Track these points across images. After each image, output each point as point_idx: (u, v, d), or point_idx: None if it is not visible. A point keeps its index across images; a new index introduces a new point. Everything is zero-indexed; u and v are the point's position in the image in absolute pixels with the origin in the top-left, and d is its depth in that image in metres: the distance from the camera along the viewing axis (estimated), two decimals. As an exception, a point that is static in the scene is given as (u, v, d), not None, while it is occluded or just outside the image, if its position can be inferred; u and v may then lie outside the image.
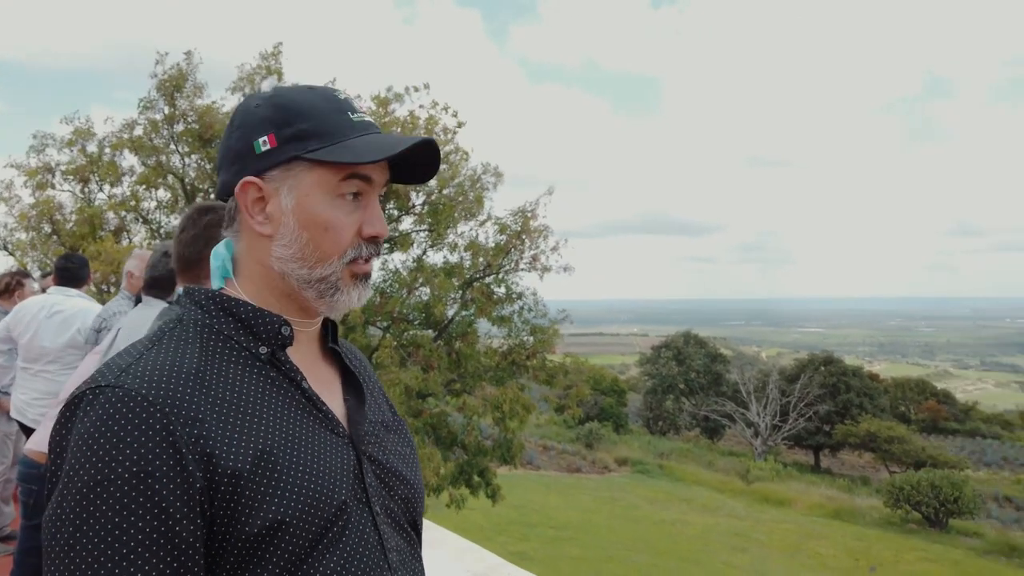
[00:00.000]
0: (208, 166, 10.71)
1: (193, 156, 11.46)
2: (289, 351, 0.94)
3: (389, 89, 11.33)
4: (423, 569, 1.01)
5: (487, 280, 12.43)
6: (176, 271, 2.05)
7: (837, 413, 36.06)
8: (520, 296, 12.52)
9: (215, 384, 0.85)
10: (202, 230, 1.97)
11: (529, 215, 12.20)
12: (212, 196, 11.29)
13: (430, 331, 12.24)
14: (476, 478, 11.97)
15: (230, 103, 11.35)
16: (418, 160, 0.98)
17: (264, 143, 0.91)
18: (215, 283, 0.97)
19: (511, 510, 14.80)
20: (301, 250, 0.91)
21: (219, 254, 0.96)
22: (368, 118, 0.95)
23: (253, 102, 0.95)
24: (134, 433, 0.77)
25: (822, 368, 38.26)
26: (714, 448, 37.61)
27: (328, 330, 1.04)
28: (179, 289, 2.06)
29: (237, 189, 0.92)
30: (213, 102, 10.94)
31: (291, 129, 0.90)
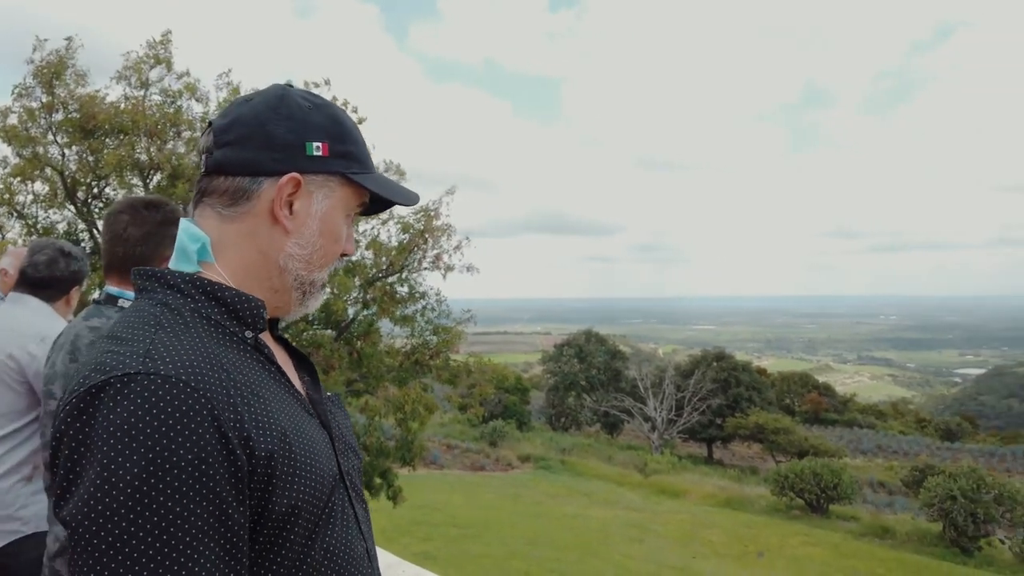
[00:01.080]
0: (90, 158, 10.11)
1: (74, 147, 10.79)
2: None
3: (288, 84, 11.03)
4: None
5: (389, 279, 12.31)
6: (110, 271, 1.87)
7: (728, 406, 37.68)
8: (423, 295, 12.46)
9: (230, 368, 0.86)
10: (156, 227, 1.83)
11: (432, 214, 12.16)
12: (96, 190, 10.68)
13: (330, 331, 12.01)
14: (377, 480, 11.83)
15: (115, 92, 10.76)
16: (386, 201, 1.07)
17: (318, 148, 0.96)
18: (184, 265, 0.95)
19: (414, 511, 14.68)
20: (312, 253, 0.97)
21: (198, 236, 0.94)
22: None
23: (301, 101, 0.99)
24: (183, 420, 0.76)
25: (714, 364, 39.89)
26: (614, 443, 38.58)
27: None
28: (109, 287, 1.91)
29: (283, 180, 0.94)
30: (96, 91, 10.33)
31: (343, 147, 0.98)
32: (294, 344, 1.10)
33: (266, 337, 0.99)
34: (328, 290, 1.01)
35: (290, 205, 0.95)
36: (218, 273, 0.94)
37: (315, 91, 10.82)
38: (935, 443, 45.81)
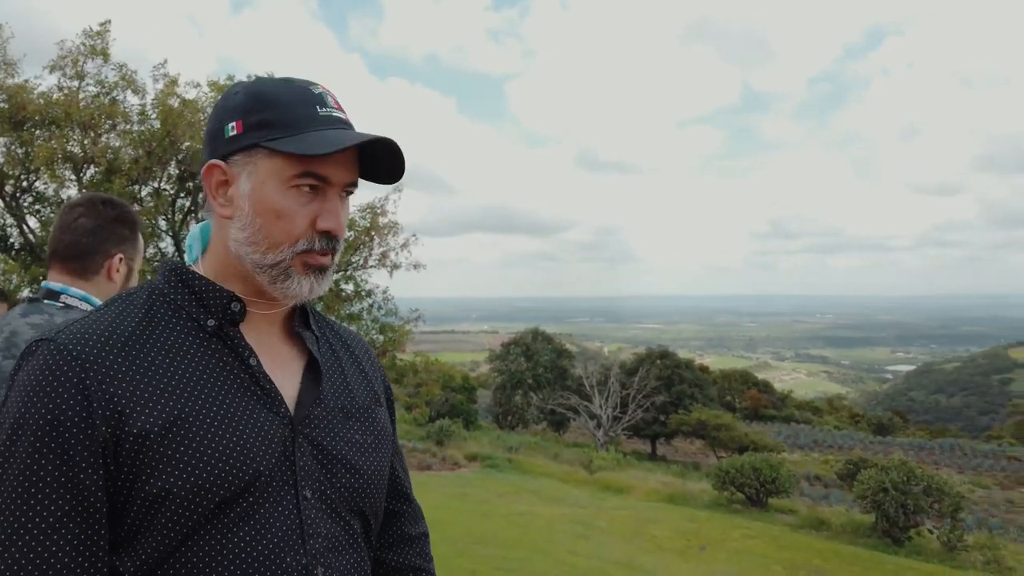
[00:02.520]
0: (20, 150, 9.71)
1: (2, 139, 10.35)
2: (246, 330, 0.97)
3: (230, 77, 10.80)
4: (365, 559, 1.01)
5: (335, 277, 12.19)
6: (57, 257, 1.80)
7: (671, 403, 38.36)
8: (369, 294, 12.37)
9: (147, 348, 0.89)
10: (105, 223, 1.78)
11: (378, 212, 12.08)
12: (25, 183, 10.27)
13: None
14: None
15: (48, 82, 10.36)
16: (382, 160, 0.99)
17: (232, 128, 0.94)
18: (188, 260, 1.02)
19: (359, 511, 14.51)
20: (254, 235, 0.94)
21: (193, 235, 1.00)
22: (339, 114, 0.96)
23: (233, 89, 0.98)
24: (53, 383, 0.83)
25: (658, 362, 40.56)
26: (560, 441, 38.87)
27: (297, 315, 1.06)
28: (49, 283, 1.82)
29: (203, 171, 0.96)
30: (26, 81, 9.92)
31: (257, 117, 0.93)
32: (319, 335, 1.07)
33: (265, 331, 1.00)
34: (324, 277, 0.95)
35: (226, 193, 0.95)
36: (200, 266, 0.99)
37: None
38: (868, 437, 47.55)
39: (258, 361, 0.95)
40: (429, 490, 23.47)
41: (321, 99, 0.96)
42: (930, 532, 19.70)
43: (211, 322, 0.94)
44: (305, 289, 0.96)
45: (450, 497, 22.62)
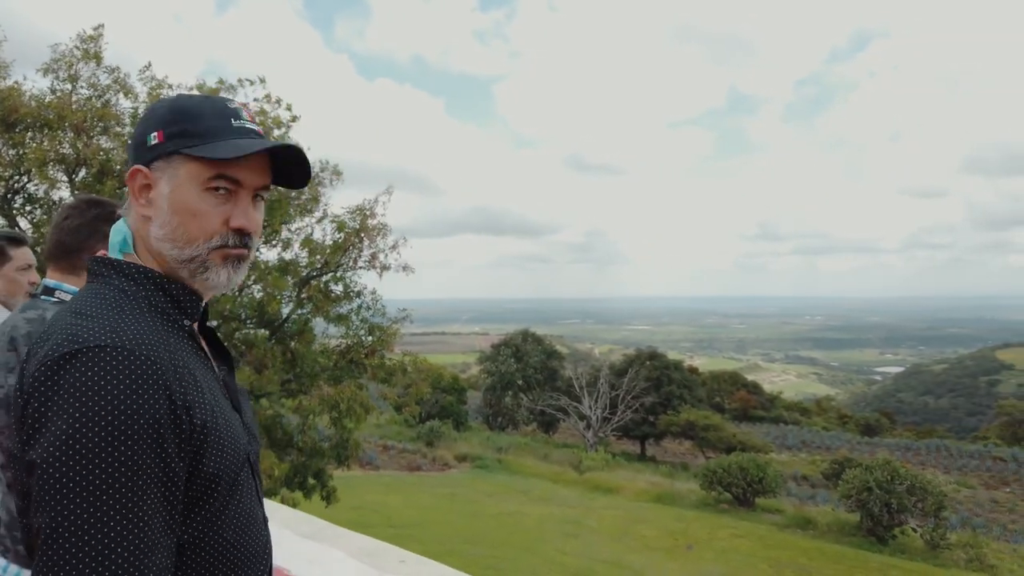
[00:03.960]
0: (11, 152, 9.75)
1: (-8, 140, 10.39)
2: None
3: (220, 81, 10.86)
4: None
5: (324, 278, 12.24)
6: (49, 256, 1.96)
7: (660, 404, 38.48)
8: (359, 294, 12.42)
9: (172, 349, 0.99)
10: (89, 221, 1.92)
11: (368, 213, 12.14)
12: (16, 185, 10.30)
13: (264, 330, 11.87)
14: (311, 480, 11.75)
15: (40, 84, 10.41)
16: (292, 165, 1.13)
17: (154, 137, 1.06)
18: (113, 255, 1.10)
19: (349, 511, 14.60)
20: (172, 232, 1.04)
21: (120, 230, 1.10)
22: (251, 126, 1.09)
23: (157, 104, 1.10)
24: (144, 387, 0.91)
25: (647, 363, 40.68)
26: (550, 441, 38.97)
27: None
28: (47, 280, 1.97)
29: (127, 175, 1.08)
30: (16, 82, 9.97)
31: (177, 127, 1.05)
32: (224, 339, 1.23)
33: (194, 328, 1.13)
34: (240, 266, 1.04)
35: (147, 196, 1.07)
36: (136, 260, 1.08)
37: (249, 88, 10.60)
38: (855, 438, 47.82)
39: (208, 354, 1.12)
40: (419, 490, 23.57)
41: (236, 113, 1.09)
42: (914, 531, 19.94)
43: (187, 322, 1.07)
44: (224, 278, 1.08)
45: (440, 497, 22.73)
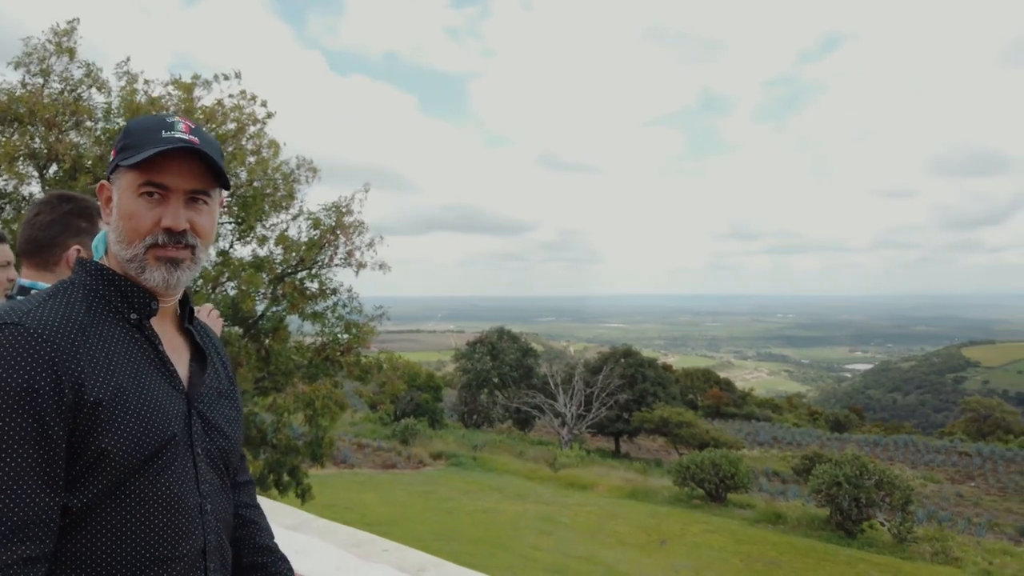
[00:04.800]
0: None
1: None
2: (152, 323, 1.23)
3: (196, 76, 10.76)
4: (230, 501, 1.34)
5: (299, 275, 12.19)
6: (22, 253, 1.96)
7: (635, 401, 38.75)
8: (334, 292, 12.38)
9: (93, 336, 1.12)
10: (61, 217, 1.92)
11: (344, 210, 12.11)
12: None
13: (238, 328, 11.79)
14: (286, 477, 11.71)
15: (12, 77, 10.26)
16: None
17: (111, 155, 1.23)
18: (96, 256, 1.26)
19: (324, 509, 14.53)
20: (119, 235, 1.20)
21: (101, 238, 1.28)
22: (183, 135, 1.19)
23: (125, 126, 1.27)
24: (27, 358, 1.05)
25: (622, 360, 40.94)
26: (525, 438, 39.08)
27: (186, 313, 1.34)
28: (21, 279, 1.95)
29: (97, 190, 1.26)
30: (-16, 75, 9.80)
31: (121, 144, 1.21)
32: (196, 330, 1.35)
33: (163, 324, 1.26)
34: (178, 268, 1.15)
35: (109, 206, 1.23)
36: (105, 262, 1.24)
37: (225, 84, 10.56)
38: (825, 434, 48.56)
39: (163, 348, 1.22)
40: (394, 488, 23.53)
41: (170, 125, 1.21)
42: (882, 525, 20.31)
43: (134, 315, 1.20)
44: (159, 278, 1.20)
45: (415, 495, 22.72)
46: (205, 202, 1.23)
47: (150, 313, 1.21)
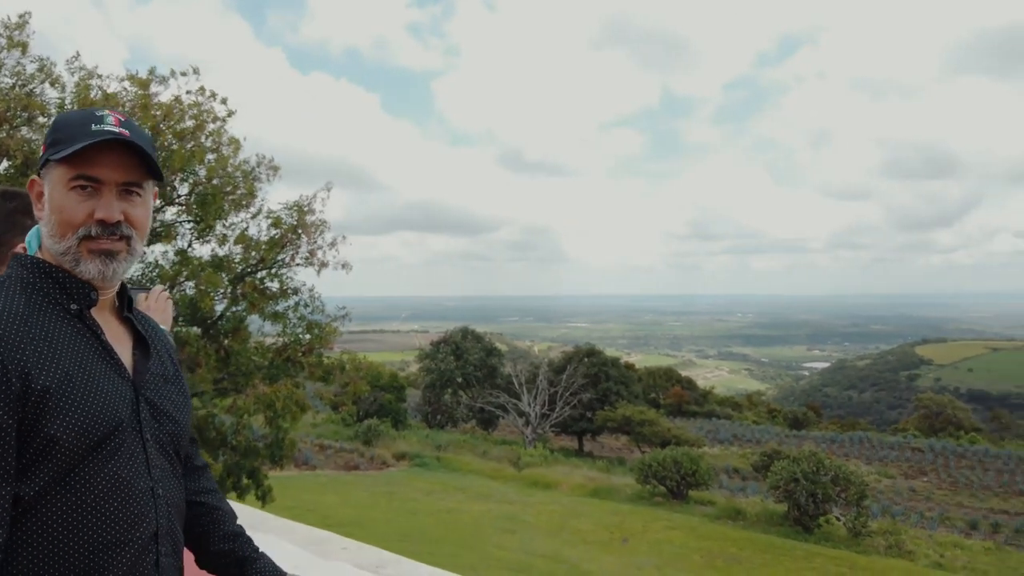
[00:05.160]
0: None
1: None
2: (93, 313, 1.24)
3: (152, 72, 10.55)
4: (181, 486, 1.34)
5: (260, 275, 12.03)
6: None
7: (598, 400, 39.00)
8: (296, 292, 12.24)
9: (35, 326, 1.14)
10: (7, 215, 1.88)
11: (306, 209, 11.98)
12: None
13: (196, 328, 11.60)
14: (245, 480, 11.55)
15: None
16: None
17: (41, 151, 1.24)
18: (31, 250, 1.26)
19: (284, 511, 14.33)
20: (52, 229, 1.20)
21: (35, 234, 1.27)
22: (111, 128, 1.19)
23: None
24: None
25: (585, 360, 41.18)
26: (489, 438, 39.09)
27: (126, 302, 1.34)
28: None
29: (27, 186, 1.27)
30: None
31: (51, 138, 1.22)
32: (136, 318, 1.36)
33: (104, 313, 1.27)
34: (113, 260, 1.17)
35: (41, 201, 1.24)
36: (41, 256, 1.24)
37: (183, 80, 10.38)
38: (784, 431, 49.44)
39: (106, 337, 1.22)
40: (356, 489, 23.36)
41: (99, 119, 1.21)
42: (837, 519, 20.78)
43: (73, 306, 1.20)
44: (94, 270, 1.20)
45: (378, 496, 22.58)
46: (138, 194, 1.24)
47: (90, 303, 1.22)
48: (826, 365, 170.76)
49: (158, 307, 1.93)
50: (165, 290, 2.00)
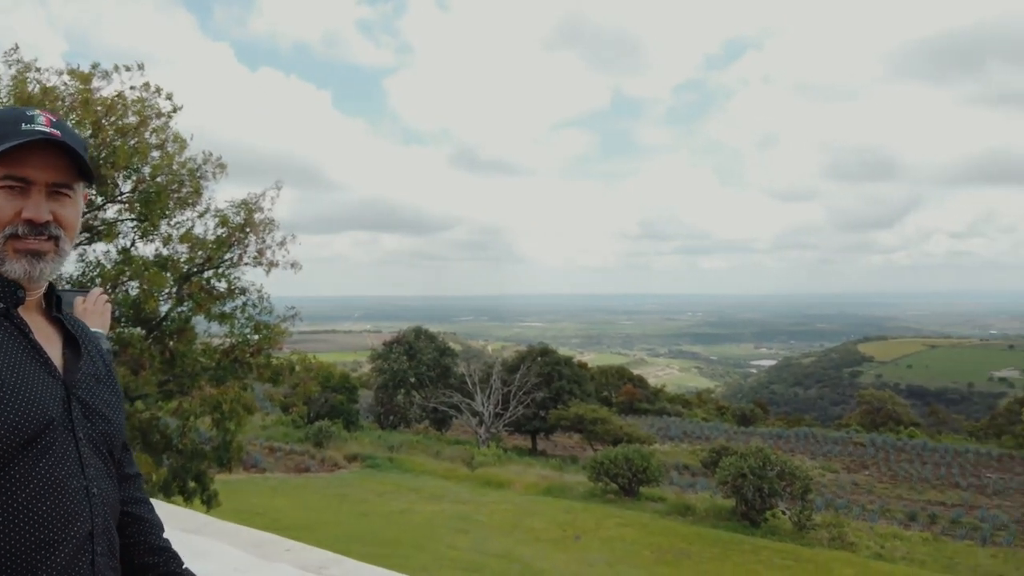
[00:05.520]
0: None
1: None
2: (21, 311, 1.23)
3: (95, 66, 10.23)
4: (115, 485, 1.32)
5: (206, 275, 11.78)
6: None
7: (551, 399, 39.24)
8: (244, 292, 12.02)
9: None
10: None
11: (254, 207, 11.77)
12: None
13: (140, 329, 11.30)
14: (192, 483, 11.31)
15: None
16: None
17: None
18: None
19: (232, 515, 14.08)
20: None
21: None
22: (42, 128, 1.18)
23: None
24: None
25: (539, 359, 41.39)
26: (442, 438, 38.97)
27: (54, 303, 1.32)
28: None
29: None
30: None
31: None
32: (65, 319, 1.34)
33: (31, 313, 1.26)
34: (40, 260, 1.17)
35: None
36: None
37: (126, 75, 10.11)
38: (732, 428, 50.48)
39: (34, 337, 1.21)
40: (307, 492, 23.04)
41: (30, 119, 1.20)
42: (783, 513, 21.29)
43: (0, 305, 1.19)
44: (20, 270, 1.20)
45: (329, 498, 22.31)
46: (68, 195, 1.23)
47: (17, 302, 1.21)
48: (773, 363, 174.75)
49: (96, 310, 1.90)
50: (104, 293, 1.96)
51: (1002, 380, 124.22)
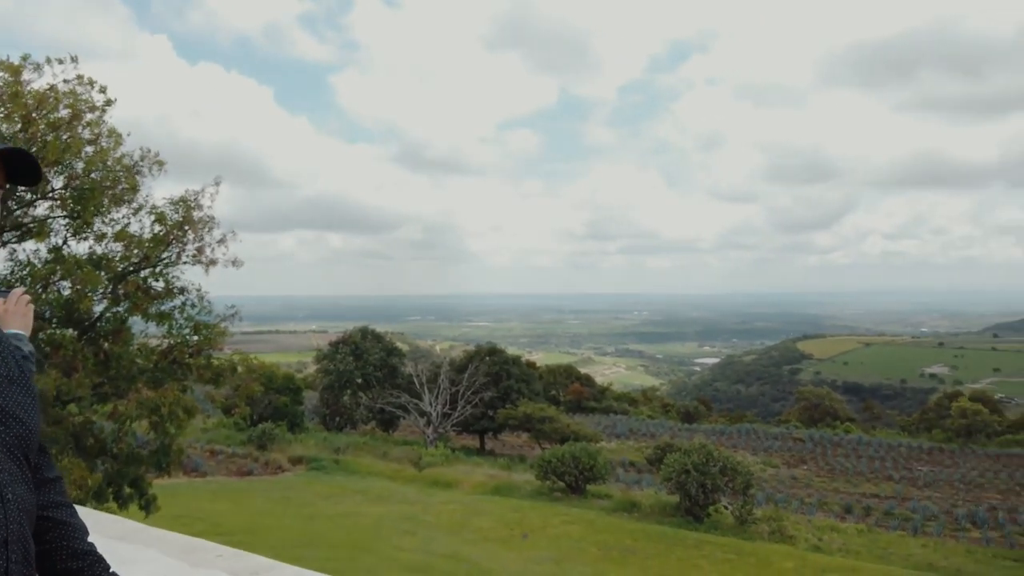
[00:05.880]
0: None
1: None
2: None
3: (24, 58, 9.84)
4: (31, 489, 1.28)
5: (143, 274, 11.43)
6: None
7: (499, 398, 39.31)
8: (182, 291, 11.71)
9: None
10: None
11: (192, 205, 11.48)
12: None
13: (72, 330, 10.90)
14: (128, 489, 10.96)
15: None
16: (28, 167, 1.26)
17: None
18: None
19: (171, 520, 13.72)
20: None
21: None
22: None
23: None
24: None
25: (487, 358, 41.42)
26: (389, 439, 38.65)
27: None
28: None
29: None
30: None
31: None
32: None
33: None
34: None
35: None
36: None
37: (58, 67, 9.75)
38: (677, 425, 51.42)
39: None
40: (250, 496, 22.57)
41: None
42: (725, 508, 21.76)
43: None
44: None
45: (273, 502, 21.90)
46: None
47: None
48: (716, 361, 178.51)
49: (17, 311, 1.83)
50: (25, 293, 1.89)
51: (932, 376, 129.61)
